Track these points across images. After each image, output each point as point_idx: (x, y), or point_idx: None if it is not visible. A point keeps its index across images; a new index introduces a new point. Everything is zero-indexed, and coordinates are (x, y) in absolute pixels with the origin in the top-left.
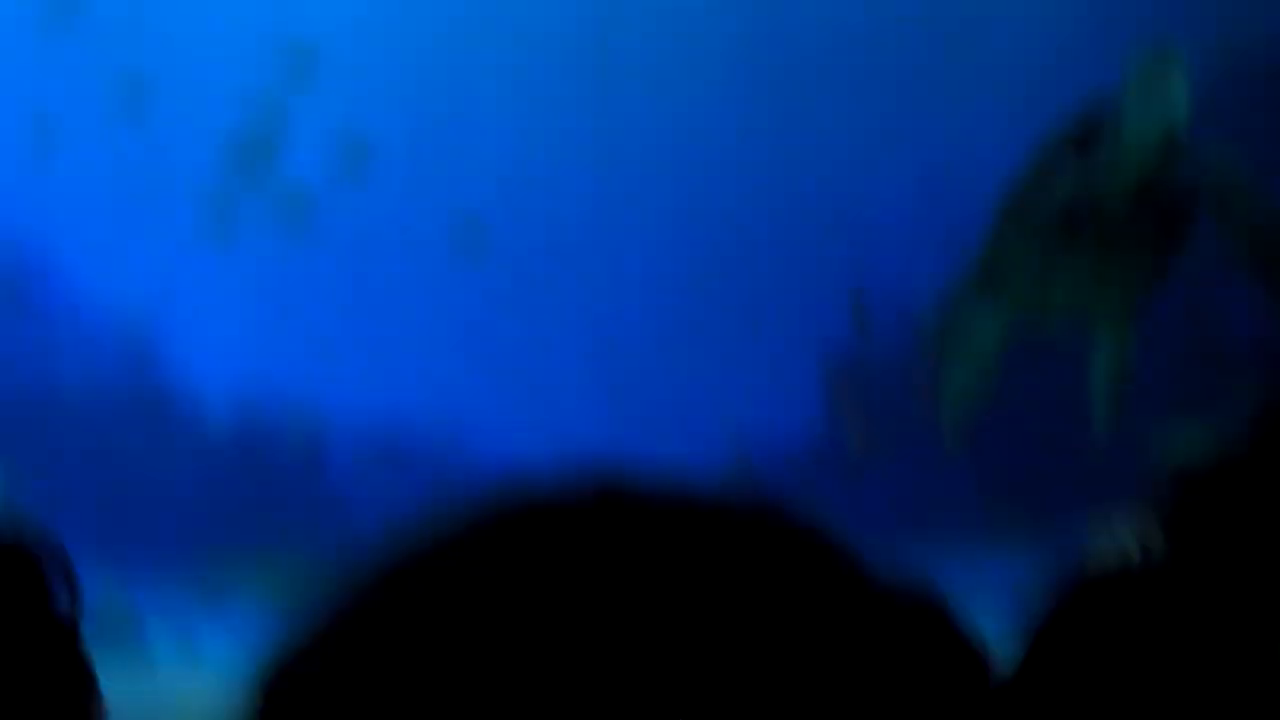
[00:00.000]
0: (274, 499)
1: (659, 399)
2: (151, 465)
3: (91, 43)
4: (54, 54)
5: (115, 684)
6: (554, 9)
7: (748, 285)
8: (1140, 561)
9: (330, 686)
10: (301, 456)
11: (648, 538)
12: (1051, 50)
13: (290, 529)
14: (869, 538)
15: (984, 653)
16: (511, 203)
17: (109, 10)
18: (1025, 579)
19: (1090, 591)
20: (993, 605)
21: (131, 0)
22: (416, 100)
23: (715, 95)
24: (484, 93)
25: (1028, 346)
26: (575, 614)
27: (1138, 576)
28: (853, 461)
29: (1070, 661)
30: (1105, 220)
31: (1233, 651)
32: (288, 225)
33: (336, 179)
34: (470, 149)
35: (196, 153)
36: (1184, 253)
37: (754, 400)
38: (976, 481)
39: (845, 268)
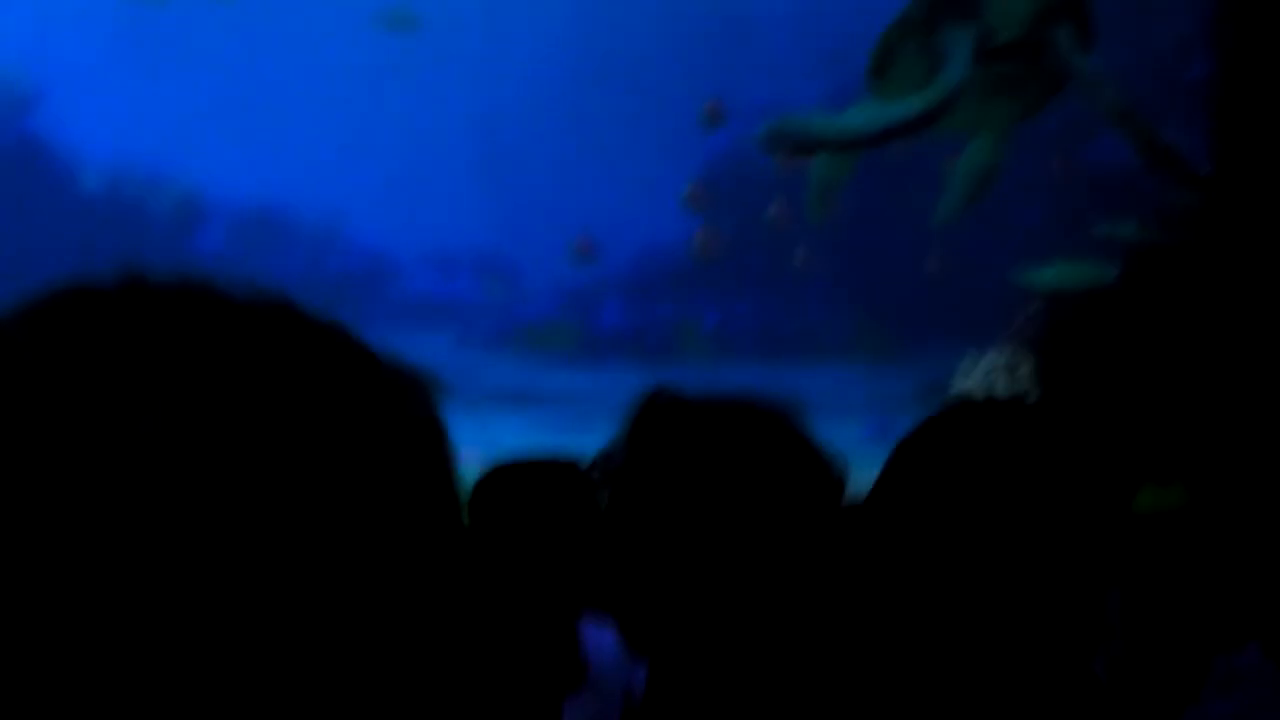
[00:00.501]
0: (144, 262)
1: (533, 200)
2: (22, 221)
3: None
4: None
5: None
6: None
7: (626, 89)
8: (1006, 390)
9: None
10: (175, 221)
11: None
12: None
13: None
14: (737, 353)
15: (830, 460)
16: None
17: None
18: (891, 399)
19: (954, 412)
20: (858, 421)
21: None
22: None
23: None
24: None
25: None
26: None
27: (1002, 401)
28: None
29: (926, 477)
30: (990, 50)
31: (1084, 484)
32: None
33: None
34: None
35: None
36: (1058, 95)
37: (624, 205)
38: (849, 305)
39: (723, 78)
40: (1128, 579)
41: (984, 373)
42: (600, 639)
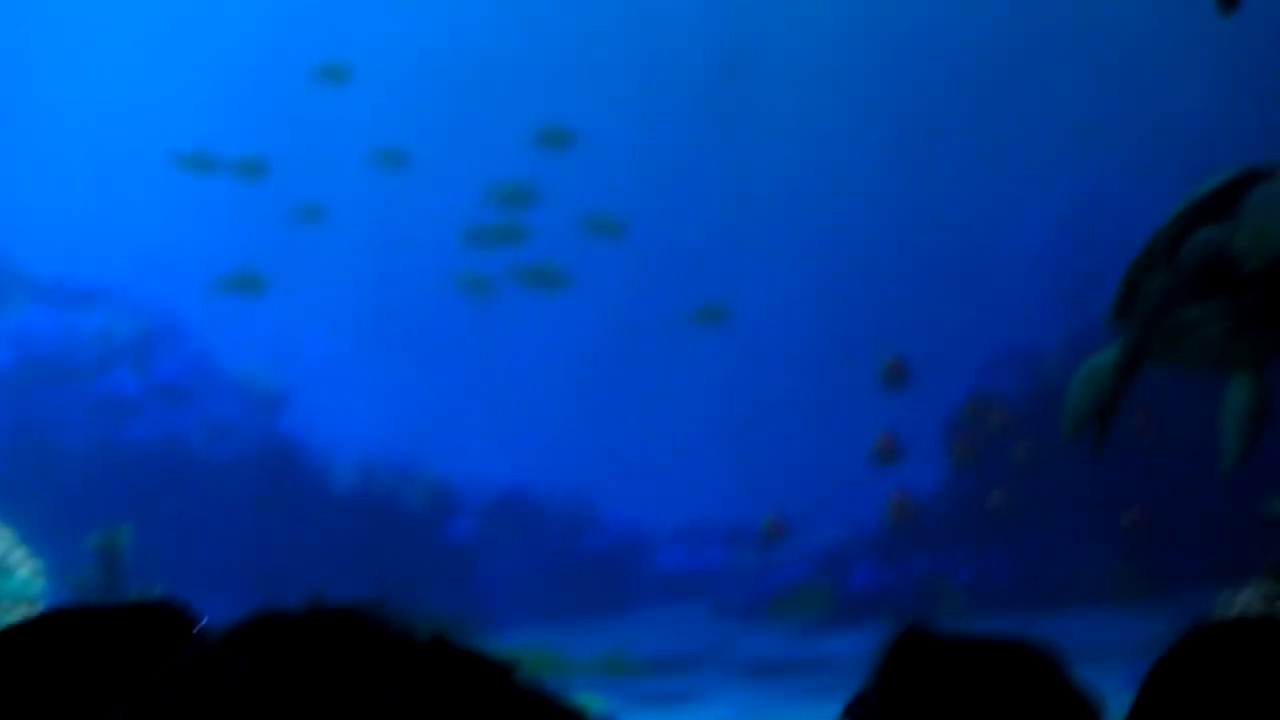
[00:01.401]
0: (399, 554)
1: (787, 466)
2: (281, 523)
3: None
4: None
5: None
6: None
7: (875, 350)
8: (1262, 619)
9: None
10: (427, 512)
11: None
12: (1184, 112)
13: (415, 582)
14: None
15: (1088, 698)
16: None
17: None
18: (1152, 641)
19: (1207, 637)
20: (1121, 668)
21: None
22: None
23: (850, 157)
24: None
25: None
26: None
27: (1253, 620)
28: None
29: (1183, 698)
30: (1238, 281)
31: None
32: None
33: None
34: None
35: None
36: None
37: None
38: (1103, 549)
39: (973, 326)
40: None
41: (1242, 608)
42: None
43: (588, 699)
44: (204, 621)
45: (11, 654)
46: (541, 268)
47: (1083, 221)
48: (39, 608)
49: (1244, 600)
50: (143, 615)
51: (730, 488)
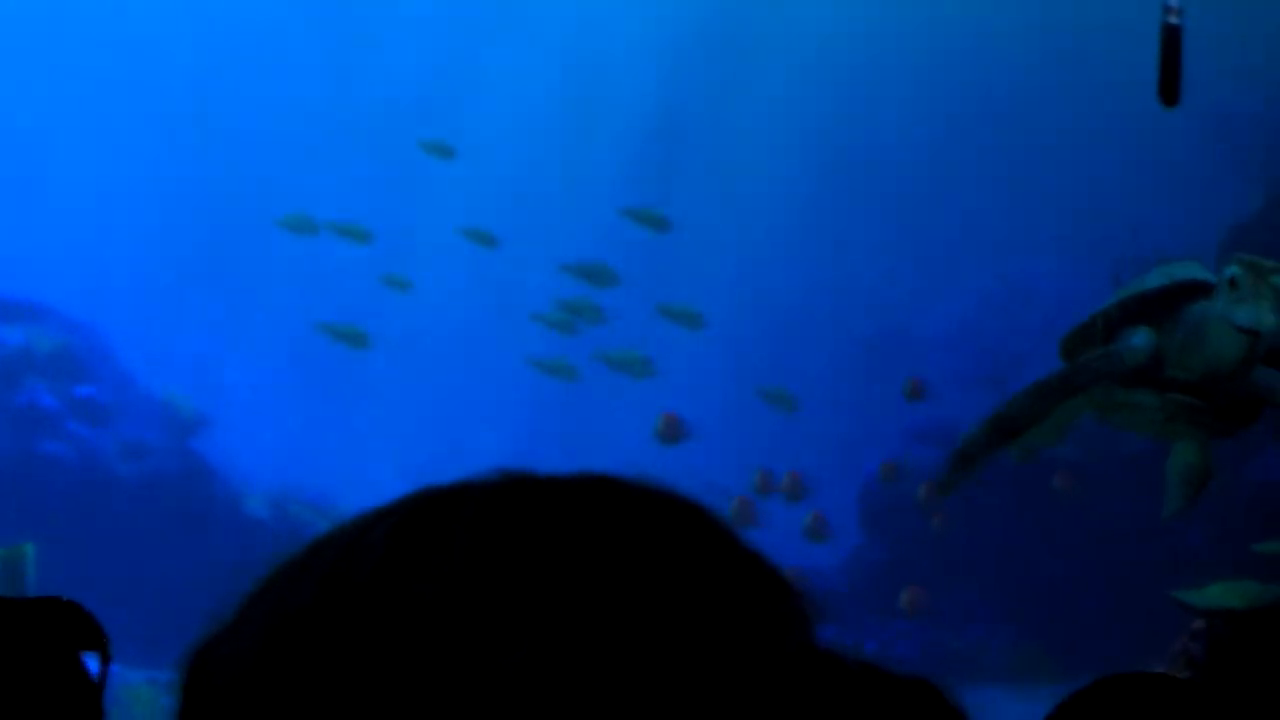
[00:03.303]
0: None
1: None
2: (190, 546)
3: None
4: None
5: None
6: None
7: (795, 419)
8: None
9: (247, 667)
10: None
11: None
12: (1104, 194)
13: None
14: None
15: None
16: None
17: None
18: None
19: (1104, 685)
20: None
21: None
22: None
23: (776, 232)
24: None
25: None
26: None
27: (1156, 681)
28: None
29: None
30: (1166, 382)
31: None
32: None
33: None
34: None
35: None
36: (1246, 428)
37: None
38: (1009, 627)
39: (894, 402)
40: None
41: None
42: None
43: None
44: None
45: None
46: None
47: (1006, 304)
48: None
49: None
50: (41, 610)
51: None
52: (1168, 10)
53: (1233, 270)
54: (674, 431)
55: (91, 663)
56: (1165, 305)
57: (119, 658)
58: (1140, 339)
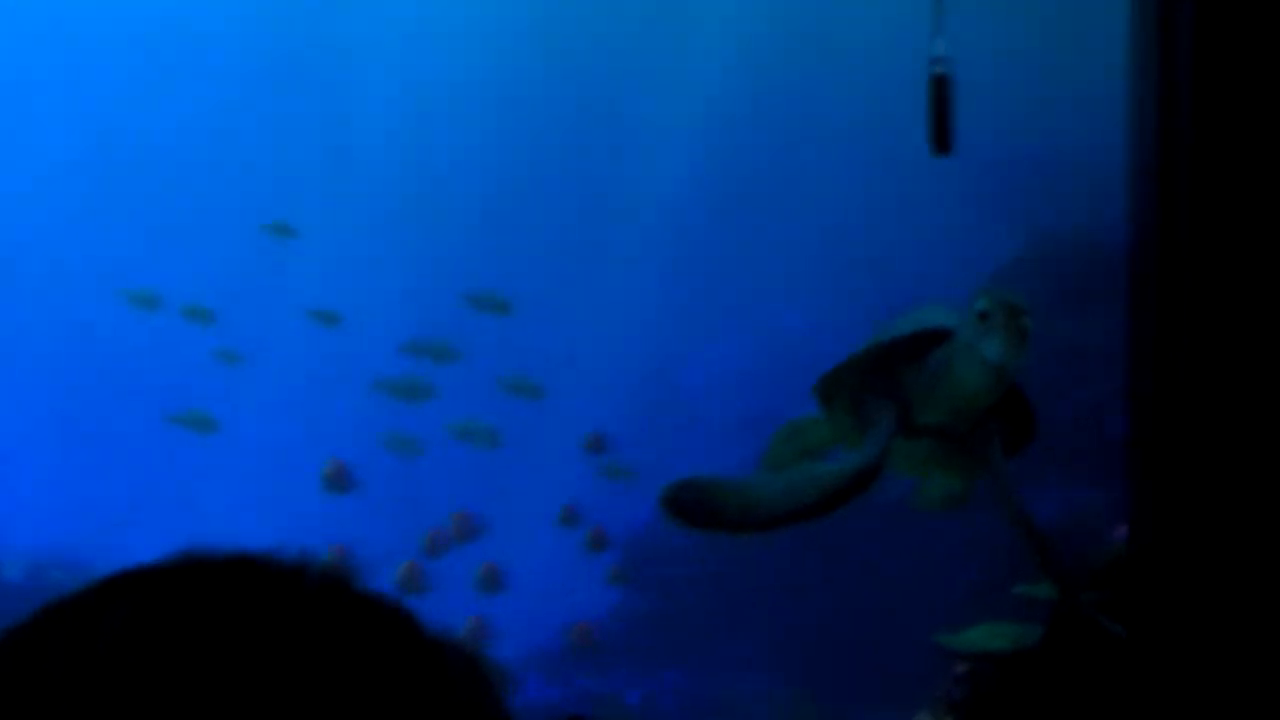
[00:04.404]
0: None
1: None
2: None
3: None
4: None
5: None
6: None
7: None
8: None
9: None
10: None
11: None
12: (864, 242)
13: None
14: None
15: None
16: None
17: None
18: None
19: None
20: None
21: None
22: None
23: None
24: None
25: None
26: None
27: None
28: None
29: None
30: (916, 428)
31: None
32: None
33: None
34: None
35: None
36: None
37: (546, 580)
38: (776, 675)
39: (658, 452)
40: None
41: None
42: None
43: None
44: None
45: None
46: None
47: (771, 356)
48: None
49: None
50: None
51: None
52: (934, 61)
53: (983, 304)
54: (340, 480)
55: None
56: (912, 352)
57: None
58: (887, 380)
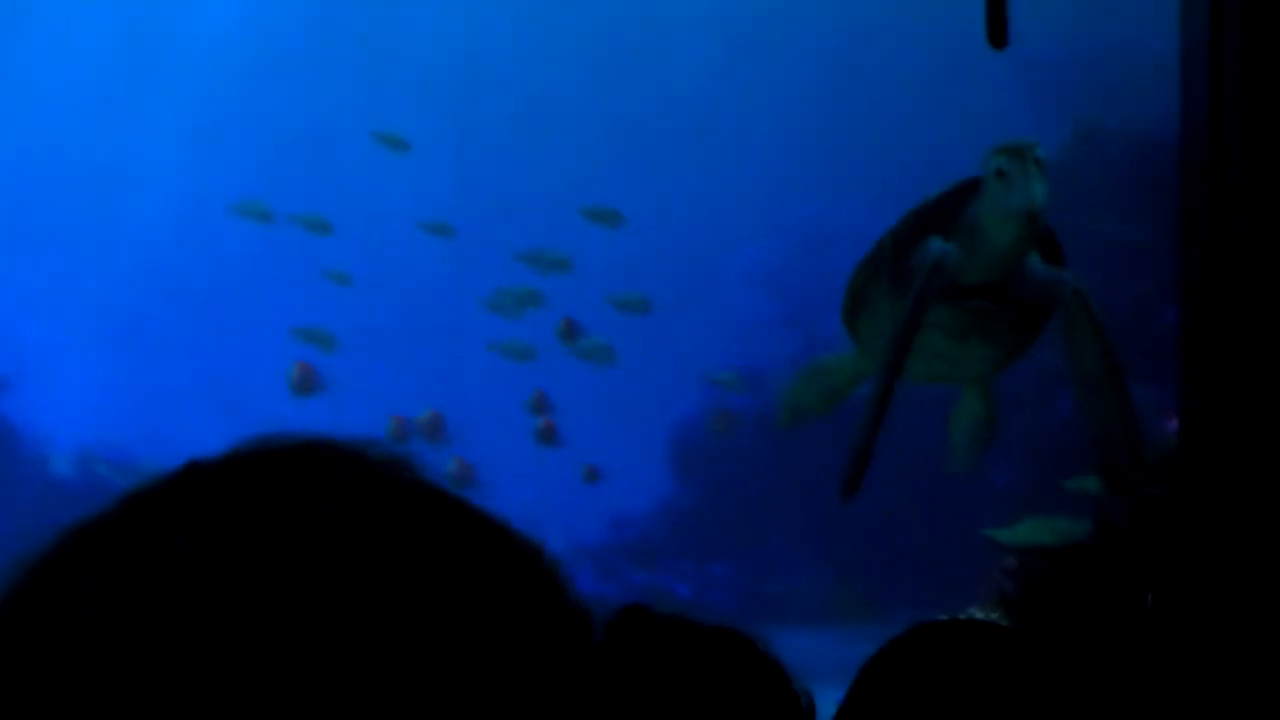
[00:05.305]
0: None
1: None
2: None
3: None
4: None
5: None
6: None
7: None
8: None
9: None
10: None
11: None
12: (911, 137)
13: None
14: (715, 617)
15: (801, 693)
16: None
17: None
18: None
19: (922, 634)
20: (831, 689)
21: None
22: None
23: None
24: None
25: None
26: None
27: (969, 627)
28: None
29: (890, 697)
30: (957, 291)
31: (1048, 703)
32: None
33: None
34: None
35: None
36: (1038, 337)
37: (610, 475)
38: (824, 569)
39: (699, 344)
40: None
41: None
42: None
43: None
44: None
45: None
46: None
47: (809, 247)
48: None
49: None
50: None
51: None
52: None
53: (997, 162)
54: (308, 382)
55: None
56: (949, 212)
57: None
58: (937, 245)
